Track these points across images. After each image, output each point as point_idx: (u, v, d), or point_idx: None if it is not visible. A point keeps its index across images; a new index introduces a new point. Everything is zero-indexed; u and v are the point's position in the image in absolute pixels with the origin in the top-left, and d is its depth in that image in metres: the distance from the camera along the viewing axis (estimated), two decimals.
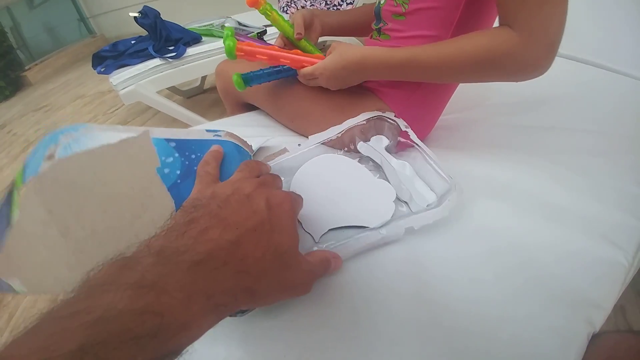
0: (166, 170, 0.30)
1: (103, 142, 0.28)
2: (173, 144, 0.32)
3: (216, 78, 0.74)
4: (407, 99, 0.53)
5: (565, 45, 0.68)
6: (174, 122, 1.62)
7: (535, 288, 0.33)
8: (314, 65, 0.49)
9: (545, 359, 0.29)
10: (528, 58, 0.36)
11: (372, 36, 0.58)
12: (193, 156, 0.32)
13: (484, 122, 0.62)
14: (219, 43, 1.26)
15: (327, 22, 0.61)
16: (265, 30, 1.27)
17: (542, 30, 0.35)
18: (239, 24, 1.36)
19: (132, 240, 0.20)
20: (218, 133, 0.37)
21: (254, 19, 1.35)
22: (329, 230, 0.40)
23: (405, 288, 0.34)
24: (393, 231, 0.37)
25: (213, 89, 1.91)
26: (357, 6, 0.97)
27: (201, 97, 1.83)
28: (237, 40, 0.51)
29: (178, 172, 0.31)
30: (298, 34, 0.54)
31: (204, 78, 1.83)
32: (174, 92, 1.75)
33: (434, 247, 0.37)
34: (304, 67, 0.51)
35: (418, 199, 0.42)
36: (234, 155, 0.35)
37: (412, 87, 0.52)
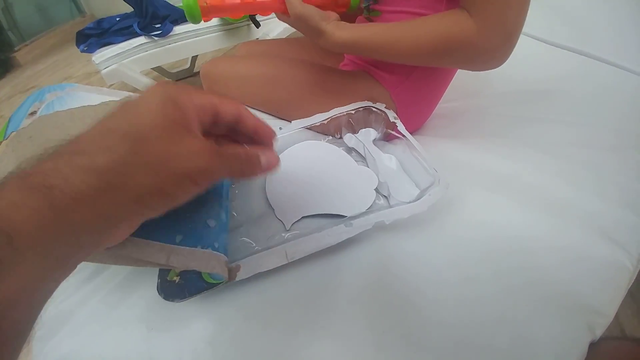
0: None
1: (84, 103, 0.28)
2: None
3: (202, 81, 0.68)
4: (401, 83, 0.49)
5: (573, 39, 0.65)
6: None
7: (533, 290, 0.30)
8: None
9: None
10: (483, 48, 0.34)
11: (362, 14, 0.53)
12: None
13: (483, 112, 0.58)
14: (210, 22, 1.20)
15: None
16: None
17: (499, 19, 0.33)
18: None
19: None
20: None
21: None
22: (302, 217, 0.37)
23: (379, 292, 0.31)
24: (361, 224, 0.33)
25: None
26: None
27: (191, 80, 1.75)
28: None
29: None
30: None
31: (194, 59, 1.75)
32: (161, 73, 1.67)
33: (417, 244, 0.35)
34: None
35: (399, 194, 0.38)
36: None
37: (406, 70, 0.48)
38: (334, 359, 0.27)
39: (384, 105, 0.45)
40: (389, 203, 0.39)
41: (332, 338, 0.29)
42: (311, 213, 0.38)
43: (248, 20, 1.23)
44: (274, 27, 1.32)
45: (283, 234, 0.37)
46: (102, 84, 2.00)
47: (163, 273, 0.31)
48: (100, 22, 1.29)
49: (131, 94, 0.29)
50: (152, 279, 0.31)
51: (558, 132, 0.50)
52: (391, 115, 0.43)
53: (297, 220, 0.37)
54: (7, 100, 2.43)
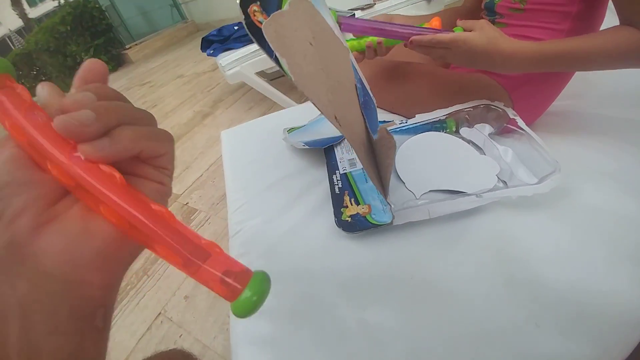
0: None
1: None
2: None
3: None
4: (522, 85, 0.55)
5: None
6: (262, 100, 1.80)
7: None
8: (451, 34, 0.46)
9: None
10: None
11: None
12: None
13: (588, 112, 0.61)
14: None
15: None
16: (354, 14, 1.33)
17: None
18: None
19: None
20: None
21: (342, 4, 1.42)
22: (430, 190, 0.47)
23: (490, 258, 0.38)
24: (490, 196, 0.42)
25: None
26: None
27: (282, 80, 1.97)
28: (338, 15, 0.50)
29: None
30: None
31: None
32: (260, 75, 1.93)
33: (535, 220, 0.41)
34: (414, 35, 0.48)
35: (518, 181, 0.45)
36: None
37: (528, 74, 0.53)
38: (466, 282, 0.37)
39: (502, 103, 0.53)
40: (506, 188, 0.46)
41: (465, 266, 0.39)
42: (438, 188, 0.47)
43: None
44: None
45: (416, 201, 0.48)
46: (211, 82, 2.36)
47: (338, 214, 0.45)
48: (221, 30, 1.55)
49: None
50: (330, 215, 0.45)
51: None
52: (510, 112, 0.51)
53: (425, 192, 0.48)
54: (125, 91, 2.95)
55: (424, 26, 0.52)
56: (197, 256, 0.16)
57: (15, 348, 0.15)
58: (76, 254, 0.17)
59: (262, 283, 0.17)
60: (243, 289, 0.16)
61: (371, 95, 0.43)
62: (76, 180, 0.16)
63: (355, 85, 0.33)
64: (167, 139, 0.19)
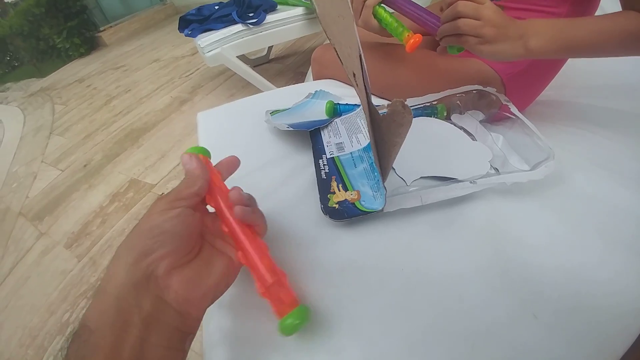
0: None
1: None
2: None
3: (312, 64, 0.79)
4: (516, 71, 0.53)
5: None
6: (244, 87, 1.73)
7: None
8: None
9: None
10: None
11: None
12: None
13: (577, 102, 0.61)
14: (294, 11, 1.29)
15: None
16: None
17: None
18: None
19: None
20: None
21: None
22: (421, 177, 0.45)
23: (484, 247, 0.36)
24: (484, 182, 0.40)
25: (278, 59, 1.98)
26: None
27: (266, 67, 1.91)
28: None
29: None
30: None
31: (269, 48, 1.90)
32: (242, 60, 1.84)
33: (528, 207, 0.40)
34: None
35: (510, 167, 0.44)
36: None
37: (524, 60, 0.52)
38: (460, 272, 0.35)
39: (495, 89, 0.51)
40: (499, 175, 0.45)
41: (459, 256, 0.36)
42: (429, 174, 0.45)
43: None
44: None
45: (407, 188, 0.45)
46: (190, 67, 2.24)
47: (325, 200, 0.41)
48: (200, 9, 1.46)
49: None
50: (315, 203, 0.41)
51: None
52: (503, 98, 0.50)
53: (416, 179, 0.46)
54: (98, 75, 2.78)
55: (402, 37, 0.51)
56: (276, 286, 0.27)
57: (128, 352, 0.20)
58: (190, 294, 0.24)
59: (304, 313, 0.27)
60: (290, 312, 0.26)
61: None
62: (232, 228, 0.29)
63: (360, 55, 0.30)
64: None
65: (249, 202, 0.29)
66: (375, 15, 0.52)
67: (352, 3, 0.54)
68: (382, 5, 0.53)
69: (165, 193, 0.28)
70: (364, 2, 0.52)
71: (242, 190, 0.30)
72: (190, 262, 0.26)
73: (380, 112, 0.31)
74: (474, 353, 0.28)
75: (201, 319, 0.26)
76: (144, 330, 0.21)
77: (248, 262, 0.27)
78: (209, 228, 0.30)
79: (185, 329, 0.24)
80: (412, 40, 0.49)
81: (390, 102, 0.27)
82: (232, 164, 0.34)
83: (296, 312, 0.25)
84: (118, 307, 0.21)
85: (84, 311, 0.20)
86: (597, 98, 0.61)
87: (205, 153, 0.32)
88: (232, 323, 0.33)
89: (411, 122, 0.26)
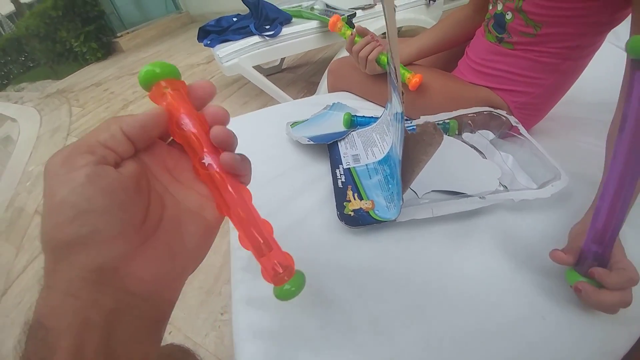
0: None
1: None
2: None
3: (328, 76, 0.83)
4: (522, 101, 0.56)
5: None
6: (258, 96, 1.78)
7: None
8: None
9: None
10: None
11: (486, 36, 0.59)
12: None
13: (581, 118, 0.63)
14: (309, 24, 1.33)
15: (407, 52, 0.67)
16: (355, 13, 1.33)
17: None
18: (327, 6, 1.42)
19: None
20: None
21: (342, 3, 1.42)
22: (432, 191, 0.48)
23: (494, 251, 0.39)
24: (493, 198, 0.42)
25: (290, 69, 2.04)
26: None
27: (279, 76, 1.96)
28: None
29: None
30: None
31: (283, 58, 1.95)
32: (256, 69, 1.90)
33: (535, 222, 0.42)
34: None
35: (518, 185, 0.46)
36: None
37: (531, 91, 0.55)
38: (471, 277, 0.38)
39: (505, 112, 0.54)
40: (508, 192, 0.47)
41: (470, 263, 0.39)
42: (440, 188, 0.48)
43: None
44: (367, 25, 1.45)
45: (418, 200, 0.48)
46: (205, 75, 2.31)
47: (341, 208, 0.44)
48: (219, 20, 1.51)
49: None
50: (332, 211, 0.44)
51: None
52: (513, 120, 0.52)
53: (427, 192, 0.48)
54: (115, 80, 2.86)
55: (405, 77, 0.61)
56: (266, 246, 0.22)
57: (92, 353, 0.16)
58: (160, 277, 0.19)
59: (301, 280, 0.23)
60: (288, 280, 0.22)
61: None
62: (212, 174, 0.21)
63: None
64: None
65: (234, 143, 0.21)
66: (379, 63, 0.63)
67: (357, 59, 0.65)
68: (385, 52, 0.62)
69: None
70: (367, 57, 0.63)
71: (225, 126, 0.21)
72: (151, 236, 0.19)
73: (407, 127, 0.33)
74: (485, 351, 0.31)
75: (177, 299, 0.21)
76: (108, 328, 0.17)
77: (239, 222, 0.22)
78: (170, 170, 0.22)
79: (159, 317, 0.20)
80: (413, 80, 0.60)
81: (421, 122, 0.30)
82: (204, 89, 0.23)
83: (295, 279, 0.22)
84: (72, 306, 0.16)
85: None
86: (604, 113, 0.63)
87: (174, 73, 0.22)
88: (260, 319, 0.35)
89: (440, 143, 0.29)
